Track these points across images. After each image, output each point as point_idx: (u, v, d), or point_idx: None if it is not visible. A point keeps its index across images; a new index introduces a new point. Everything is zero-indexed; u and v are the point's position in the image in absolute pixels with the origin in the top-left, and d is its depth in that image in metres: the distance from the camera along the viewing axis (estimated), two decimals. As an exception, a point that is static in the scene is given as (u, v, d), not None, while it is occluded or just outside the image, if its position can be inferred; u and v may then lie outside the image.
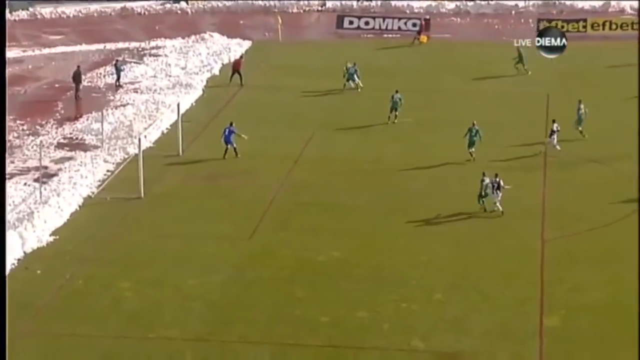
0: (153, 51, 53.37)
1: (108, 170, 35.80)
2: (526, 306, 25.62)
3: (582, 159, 36.18)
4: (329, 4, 64.27)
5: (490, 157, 36.29)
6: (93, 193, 33.67)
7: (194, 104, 44.10)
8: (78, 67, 46.16)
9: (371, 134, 39.35)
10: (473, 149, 35.58)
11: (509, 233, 30.06)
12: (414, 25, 57.92)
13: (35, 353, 23.66)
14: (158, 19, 62.40)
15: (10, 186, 33.04)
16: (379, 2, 63.58)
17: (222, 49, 52.97)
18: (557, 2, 63.04)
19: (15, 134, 39.62)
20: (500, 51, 48.69)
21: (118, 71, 47.18)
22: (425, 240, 29.57)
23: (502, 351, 23.67)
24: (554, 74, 46.56)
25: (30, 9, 63.22)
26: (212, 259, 28.52)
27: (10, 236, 28.32)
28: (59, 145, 38.69)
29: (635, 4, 59.81)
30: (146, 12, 64.40)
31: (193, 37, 55.42)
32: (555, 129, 36.38)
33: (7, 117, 38.22)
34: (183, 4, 64.91)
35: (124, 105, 43.42)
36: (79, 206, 32.51)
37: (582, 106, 37.88)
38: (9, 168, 34.83)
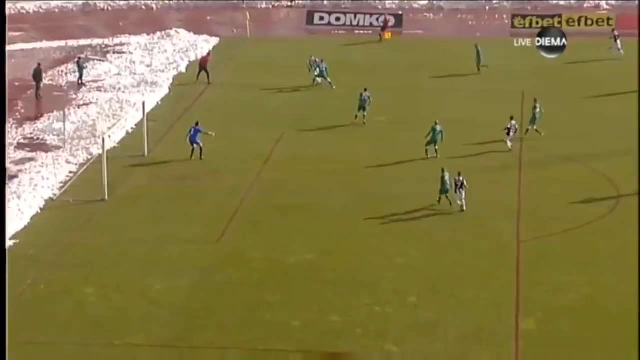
0: (117, 48, 53.07)
1: (70, 172, 35.55)
2: (502, 309, 25.76)
3: (557, 158, 36.45)
4: (298, 0, 64.24)
5: (463, 156, 36.49)
6: (55, 195, 33.42)
7: (159, 103, 43.92)
8: (39, 65, 45.79)
9: (343, 133, 39.39)
10: (437, 147, 35.82)
11: (484, 234, 30.21)
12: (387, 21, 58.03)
13: (-5, 362, 23.41)
14: (122, 15, 62.03)
15: (-32, 188, 32.71)
16: (350, -2, 63.66)
17: (188, 46, 52.79)
18: (531, -3, 63.45)
19: (-27, 135, 39.22)
20: (474, 48, 48.80)
21: (80, 69, 46.87)
22: (399, 242, 29.65)
23: (477, 355, 23.79)
24: (529, 71, 46.89)
25: (-12, 5, 62.63)
26: (179, 262, 28.41)
27: (-31, 240, 28.02)
28: (19, 146, 38.36)
29: (611, 1, 60.46)
30: (109, 8, 63.99)
31: (158, 33, 55.16)
32: (511, 126, 36.65)
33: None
34: (148, -1, 64.57)
35: (86, 104, 43.14)
36: (40, 209, 32.26)
37: (537, 105, 38.20)
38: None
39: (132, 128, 39.78)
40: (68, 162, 36.34)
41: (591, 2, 62.28)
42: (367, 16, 58.51)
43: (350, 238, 29.95)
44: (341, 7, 62.43)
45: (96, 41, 54.82)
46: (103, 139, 33.58)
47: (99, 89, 45.70)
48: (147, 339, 24.42)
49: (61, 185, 34.26)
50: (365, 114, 39.66)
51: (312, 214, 31.63)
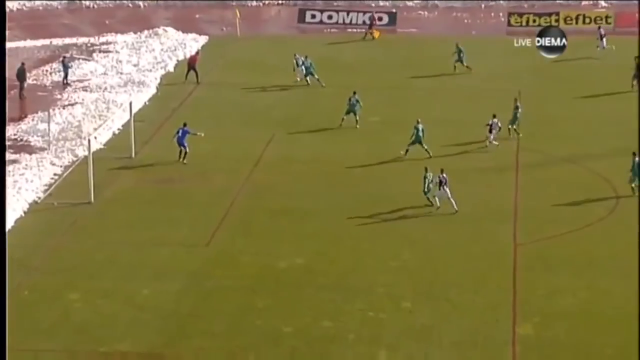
0: (103, 47, 53.04)
1: (55, 174, 35.49)
2: (498, 314, 25.78)
3: (554, 158, 36.55)
4: (289, -2, 64.28)
5: (458, 157, 36.58)
6: (39, 198, 33.35)
7: (147, 103, 43.90)
8: (22, 64, 45.71)
9: (335, 134, 39.42)
10: (424, 146, 35.98)
11: (480, 236, 30.25)
12: (380, 19, 58.19)
13: (-22, 369, 23.34)
14: (108, 13, 61.99)
15: (-51, 191, 32.61)
16: (343, -5, 63.72)
17: (177, 45, 52.80)
18: (528, -6, 63.62)
19: (-45, 136, 39.13)
20: (469, 46, 48.95)
21: (66, 68, 46.83)
22: (393, 245, 29.66)
23: (473, 361, 23.82)
24: (526, 70, 47.03)
25: (-30, 2, 62.55)
26: (167, 267, 28.37)
27: (-50, 245, 27.92)
28: (3, 148, 38.25)
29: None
30: (95, 6, 63.95)
31: (146, 32, 55.16)
32: (493, 123, 36.86)
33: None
34: (135, -4, 64.53)
35: (72, 105, 43.09)
36: (24, 212, 32.20)
37: (518, 104, 38.33)
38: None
39: (118, 129, 39.75)
40: (53, 164, 36.28)
41: (589, -1, 62.55)
42: (360, 14, 58.58)
43: (342, 241, 29.96)
44: (333, 5, 62.50)
45: (82, 40, 54.79)
46: (89, 140, 33.53)
47: (84, 88, 45.66)
48: (134, 346, 24.37)
49: (46, 187, 34.19)
50: (357, 117, 39.49)
51: (304, 217, 31.63)
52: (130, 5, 64.12)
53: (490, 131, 36.96)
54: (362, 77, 46.80)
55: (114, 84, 45.96)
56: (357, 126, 39.43)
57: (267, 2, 64.19)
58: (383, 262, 28.54)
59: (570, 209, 32.08)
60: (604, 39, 49.48)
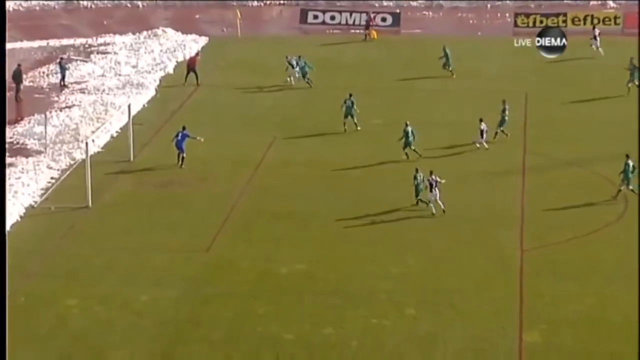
0: (101, 48, 53.10)
1: (52, 178, 35.54)
2: (504, 321, 25.79)
3: (560, 162, 36.56)
4: (291, -2, 64.35)
5: (463, 160, 36.61)
6: (36, 202, 33.41)
7: (146, 105, 43.95)
8: (19, 65, 45.79)
9: (336, 136, 39.44)
10: (413, 148, 36.17)
11: (484, 242, 30.27)
12: (383, 20, 58.26)
13: (-27, 377, 23.39)
14: (106, 13, 62.06)
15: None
16: (345, -5, 63.77)
17: (176, 46, 52.85)
18: (535, -6, 63.65)
19: (-50, 139, 39.21)
20: (474, 47, 49.08)
21: (63, 70, 46.88)
22: (396, 250, 29.69)
23: (478, 369, 23.86)
24: (531, 71, 47.07)
25: (-35, 3, 62.69)
26: (165, 272, 28.41)
27: (-55, 250, 27.99)
28: (-2, 151, 38.32)
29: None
30: (93, 6, 64.03)
31: (145, 32, 55.22)
32: (483, 128, 37.03)
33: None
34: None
35: (69, 107, 43.15)
36: (21, 217, 32.25)
37: (506, 107, 38.40)
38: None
39: (117, 132, 39.80)
40: (50, 167, 36.34)
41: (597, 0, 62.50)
42: (363, 15, 58.54)
43: (344, 246, 29.99)
44: (336, 5, 62.55)
45: (79, 41, 54.84)
46: (86, 144, 33.59)
47: (82, 90, 45.72)
48: (131, 353, 24.40)
49: (42, 191, 34.25)
50: (355, 120, 39.47)
51: (305, 221, 31.67)
52: (128, 5, 64.20)
53: (482, 135, 37.03)
54: (364, 79, 46.88)
55: (112, 86, 46.02)
56: (358, 128, 39.41)
57: (268, 2, 64.27)
58: (385, 268, 28.57)
59: (576, 214, 32.08)
60: (598, 39, 49.78)
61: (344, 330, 25.31)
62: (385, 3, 62.98)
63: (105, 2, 64.10)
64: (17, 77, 44.96)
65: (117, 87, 45.95)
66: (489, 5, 63.05)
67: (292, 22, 59.88)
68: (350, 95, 39.61)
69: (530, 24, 56.64)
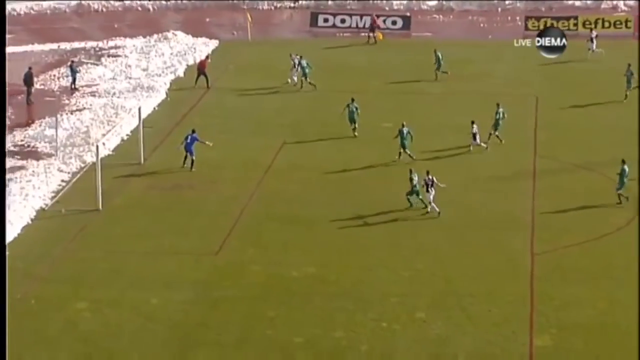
0: (112, 51, 53.22)
1: (63, 181, 35.60)
2: (515, 325, 25.72)
3: (570, 166, 36.45)
4: (301, 1, 64.37)
5: (474, 164, 36.53)
6: (46, 205, 33.46)
7: (156, 109, 44.01)
8: (30, 68, 45.92)
9: (347, 140, 39.36)
10: (408, 151, 36.17)
11: (495, 246, 30.19)
12: (394, 23, 58.25)
13: (-17, 380, 23.42)
14: (117, 17, 62.21)
15: (-45, 198, 32.76)
16: (355, -1, 63.80)
17: (186, 49, 52.92)
18: (546, -2, 63.54)
19: (-39, 142, 39.32)
20: (485, 51, 49.03)
21: (74, 73, 46.99)
22: (406, 254, 29.63)
23: (488, 373, 23.80)
24: (541, 75, 46.99)
25: (-23, 6, 62.87)
26: (175, 276, 28.41)
27: (-44, 253, 28.05)
28: (9, 154, 38.35)
29: (630, 2, 60.47)
30: (104, 9, 64.19)
31: (155, 36, 55.33)
32: (475, 130, 37.07)
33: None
34: None
35: (80, 110, 43.24)
36: (31, 219, 32.29)
37: (500, 110, 38.34)
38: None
39: (127, 135, 39.85)
40: (60, 170, 36.39)
41: (609, 2, 62.33)
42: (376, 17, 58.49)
43: (354, 250, 29.95)
44: (346, 8, 62.57)
45: (90, 44, 54.98)
46: (97, 147, 33.62)
47: (92, 94, 45.81)
48: (141, 357, 24.40)
49: (53, 194, 34.30)
50: (357, 125, 39.30)
51: (315, 225, 31.63)
52: (139, 8, 64.31)
53: (475, 138, 37.05)
54: (375, 82, 46.85)
55: (122, 89, 46.10)
56: (356, 134, 39.16)
57: (279, 5, 64.30)
58: (395, 272, 28.52)
59: (587, 218, 31.98)
60: (594, 42, 49.77)
61: (354, 333, 25.27)
62: (395, 6, 62.96)
63: (116, 5, 64.25)
64: (28, 80, 45.07)
65: (128, 90, 46.02)
66: (499, 9, 62.98)
67: (302, 25, 59.90)
68: (353, 100, 39.44)
69: (541, 27, 56.43)
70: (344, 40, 56.16)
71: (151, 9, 64.17)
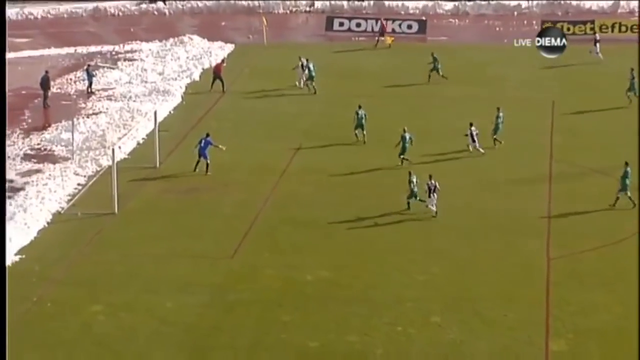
0: (128, 55, 53.37)
1: (79, 184, 35.69)
2: (530, 330, 25.59)
3: (586, 170, 36.29)
4: (317, 4, 64.45)
5: (490, 168, 36.43)
6: (63, 209, 33.55)
7: (172, 112, 44.09)
8: (46, 72, 46.09)
9: (361, 144, 39.25)
10: (403, 156, 36.28)
11: (510, 250, 30.08)
12: (409, 27, 58.21)
13: (-1, 383, 23.48)
14: (133, 20, 62.41)
15: (-28, 201, 32.90)
16: (371, 2, 63.77)
17: (202, 53, 53.02)
18: (562, 2, 63.36)
19: (-22, 145, 39.49)
20: (500, 54, 48.84)
21: (90, 77, 47.14)
22: (420, 258, 29.55)
23: (504, 378, 23.69)
24: (556, 79, 46.84)
25: (-5, 10, 63.17)
26: (190, 279, 28.41)
27: (-28, 255, 28.14)
28: (26, 157, 38.57)
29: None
30: (120, 13, 64.42)
31: (171, 39, 55.46)
32: (472, 132, 37.01)
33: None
34: (160, 4, 64.97)
35: (96, 114, 43.35)
36: (48, 223, 32.38)
37: (500, 114, 38.23)
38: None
39: (143, 138, 39.94)
40: (76, 173, 36.49)
41: (625, 6, 62.05)
42: (389, 22, 58.51)
43: (368, 254, 29.88)
44: (362, 12, 62.56)
45: (106, 48, 55.18)
46: (113, 150, 33.69)
47: (109, 97, 45.93)
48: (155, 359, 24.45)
49: (69, 198, 34.39)
50: (365, 132, 39.10)
51: (329, 229, 31.59)
52: (155, 12, 64.50)
53: (473, 140, 36.92)
54: (389, 86, 46.79)
55: (138, 93, 46.20)
56: (365, 141, 39.04)
57: (294, 9, 64.35)
58: (410, 276, 28.44)
59: (603, 222, 31.81)
60: (598, 45, 49.73)
61: (369, 338, 25.20)
62: (411, 10, 62.91)
63: (132, 9, 64.45)
64: (45, 84, 45.24)
65: (144, 94, 46.12)
66: (515, 13, 62.82)
67: (317, 29, 59.92)
68: (360, 107, 39.22)
69: (558, 32, 56.31)
70: (360, 44, 56.12)
71: (167, 13, 64.34)
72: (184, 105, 45.18)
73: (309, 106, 44.51)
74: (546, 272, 28.65)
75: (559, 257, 29.54)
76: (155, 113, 38.55)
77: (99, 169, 36.84)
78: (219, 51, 53.31)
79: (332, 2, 64.11)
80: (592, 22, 56.90)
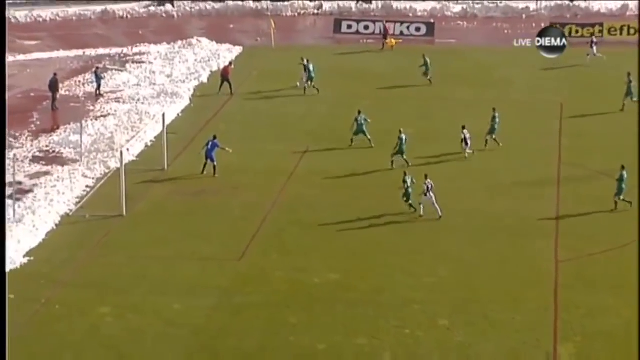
0: (136, 57, 53.49)
1: (87, 186, 35.76)
2: (538, 333, 25.54)
3: (594, 172, 36.22)
4: (326, 7, 64.50)
5: (497, 171, 36.40)
6: (71, 211, 33.61)
7: (180, 115, 44.15)
8: (55, 74, 46.18)
9: (369, 146, 39.24)
10: (394, 158, 36.31)
11: (518, 253, 30.03)
12: (417, 29, 58.22)
13: (7, 384, 23.54)
14: (142, 23, 62.54)
15: (-19, 203, 32.96)
16: (379, 5, 63.80)
17: (210, 55, 53.10)
18: (571, 4, 63.30)
19: (-13, 147, 39.56)
20: (509, 57, 48.78)
21: (98, 79, 47.24)
22: (428, 261, 29.52)
23: (512, 381, 23.65)
24: (565, 81, 46.77)
25: (4, 13, 63.28)
26: (198, 282, 28.43)
27: (-19, 257, 28.20)
28: (34, 159, 38.66)
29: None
30: (129, 16, 64.58)
31: (179, 42, 55.58)
32: (465, 135, 37.00)
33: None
34: (168, 6, 65.13)
35: (104, 116, 43.43)
36: (56, 225, 32.44)
37: (496, 115, 38.20)
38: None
39: (151, 141, 40.00)
40: (85, 176, 36.56)
41: (634, 9, 61.92)
42: (398, 24, 58.57)
43: (377, 256, 29.86)
44: (370, 14, 62.59)
45: (115, 50, 55.30)
46: (121, 152, 33.74)
47: (117, 100, 46.03)
48: (164, 362, 24.47)
49: (77, 200, 34.46)
50: (369, 137, 38.92)
51: (337, 231, 31.59)
52: (163, 15, 64.63)
53: (467, 144, 36.88)
54: (396, 88, 46.79)
55: (146, 95, 46.28)
56: (372, 145, 38.97)
57: (302, 12, 64.40)
58: (418, 278, 28.41)
59: (612, 225, 31.74)
60: (594, 47, 49.76)
61: (377, 340, 25.18)
62: (419, 13, 62.92)
63: (141, 11, 64.58)
64: (54, 86, 45.34)
65: (152, 96, 46.20)
66: (524, 15, 62.77)
67: (325, 32, 59.97)
68: (359, 112, 39.10)
69: (566, 35, 56.13)
70: (368, 46, 56.13)
71: (175, 16, 64.49)
72: (192, 107, 45.25)
73: (318, 108, 44.53)
74: (554, 274, 28.60)
75: (567, 260, 29.49)
76: (163, 115, 38.62)
77: (107, 171, 36.91)
78: (227, 54, 53.40)
79: (340, 4, 64.17)
80: (601, 24, 56.85)
